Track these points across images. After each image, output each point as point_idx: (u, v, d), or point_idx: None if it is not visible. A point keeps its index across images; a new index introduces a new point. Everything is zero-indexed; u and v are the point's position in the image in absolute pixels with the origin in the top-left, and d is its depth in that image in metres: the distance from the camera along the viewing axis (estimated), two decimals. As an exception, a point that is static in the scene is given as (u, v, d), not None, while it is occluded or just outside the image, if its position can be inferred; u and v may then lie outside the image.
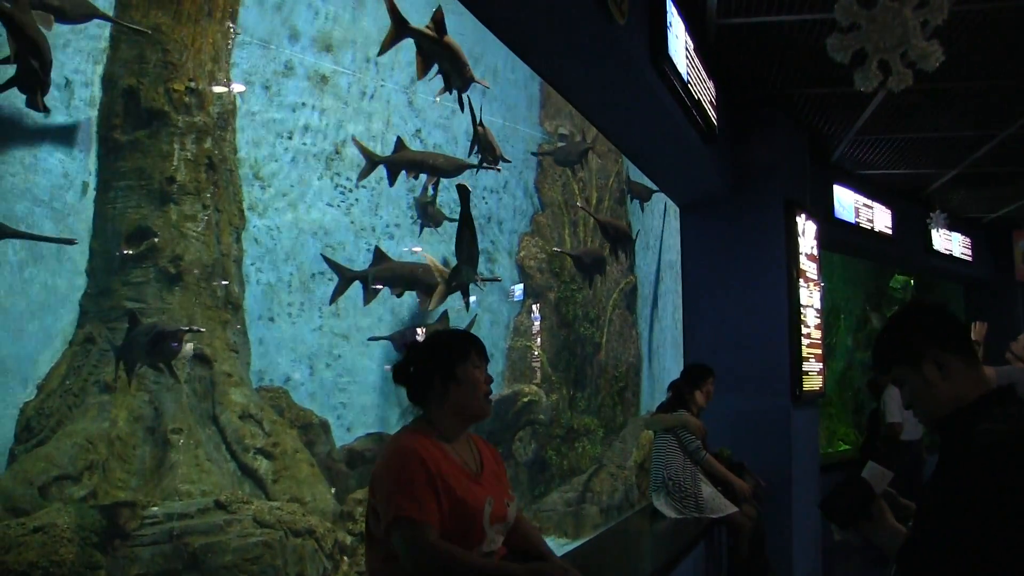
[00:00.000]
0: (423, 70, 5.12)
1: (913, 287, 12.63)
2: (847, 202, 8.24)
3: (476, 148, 6.74)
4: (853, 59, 3.65)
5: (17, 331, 5.82)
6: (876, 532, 1.97)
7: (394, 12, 4.80)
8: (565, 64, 3.99)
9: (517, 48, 3.90)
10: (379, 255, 7.14)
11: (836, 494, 2.06)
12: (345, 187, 7.70)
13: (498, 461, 2.64)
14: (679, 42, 4.40)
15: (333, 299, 7.10)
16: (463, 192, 5.18)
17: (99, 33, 6.06)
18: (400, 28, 4.83)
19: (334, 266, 7.07)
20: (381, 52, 5.17)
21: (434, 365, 2.48)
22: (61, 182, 6.00)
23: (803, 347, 6.30)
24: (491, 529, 2.40)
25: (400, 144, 6.96)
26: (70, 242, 5.76)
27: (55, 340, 5.83)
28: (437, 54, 5.11)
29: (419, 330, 7.42)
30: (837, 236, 7.99)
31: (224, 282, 6.26)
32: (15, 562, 4.34)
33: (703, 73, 5.00)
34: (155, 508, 4.82)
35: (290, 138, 7.37)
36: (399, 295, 7.34)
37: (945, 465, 1.78)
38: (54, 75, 5.71)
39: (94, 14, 5.50)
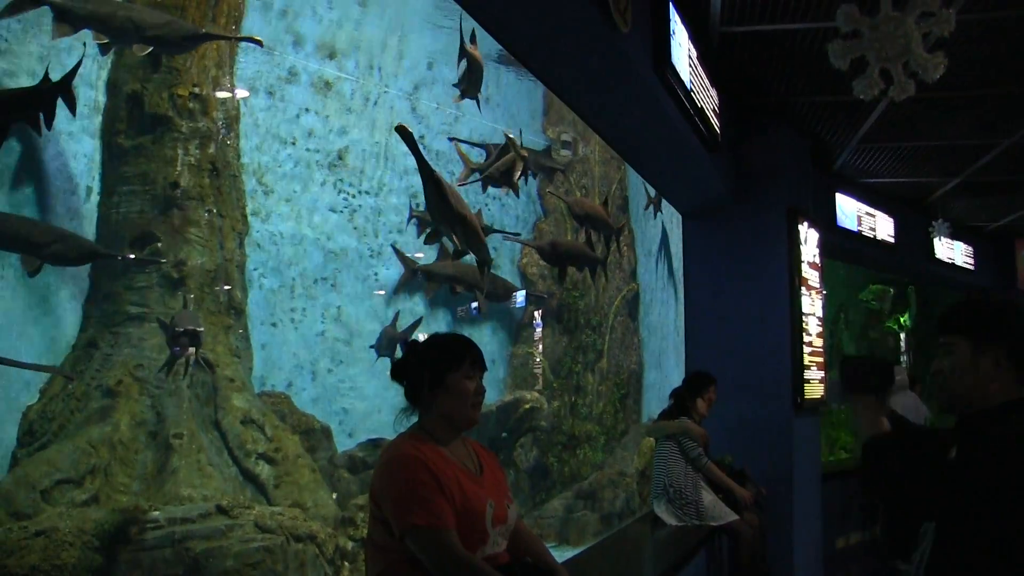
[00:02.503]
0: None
1: (892, 295, 12.41)
2: (849, 210, 8.22)
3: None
4: (853, 66, 3.65)
5: (20, 335, 5.83)
6: (864, 414, 2.06)
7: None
8: (568, 71, 3.98)
9: (520, 55, 3.90)
10: (444, 252, 7.35)
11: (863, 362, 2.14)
12: (348, 192, 7.73)
13: (496, 464, 2.64)
14: (682, 50, 4.40)
15: (397, 290, 7.69)
16: (404, 136, 4.06)
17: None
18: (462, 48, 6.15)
19: (401, 257, 7.44)
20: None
21: (425, 370, 2.45)
22: (65, 186, 6.03)
23: (805, 355, 6.27)
24: (494, 531, 2.40)
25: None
26: (156, 262, 5.84)
27: (58, 344, 5.85)
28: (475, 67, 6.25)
29: (395, 331, 7.51)
30: (839, 244, 7.97)
31: (227, 287, 6.28)
32: (17, 566, 4.36)
33: (706, 81, 5.00)
34: (157, 513, 4.82)
35: (293, 144, 7.41)
36: (455, 293, 7.67)
37: (964, 461, 1.82)
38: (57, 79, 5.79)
39: (196, 35, 5.53)
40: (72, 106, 4.99)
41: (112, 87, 6.02)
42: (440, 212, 4.41)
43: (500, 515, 2.44)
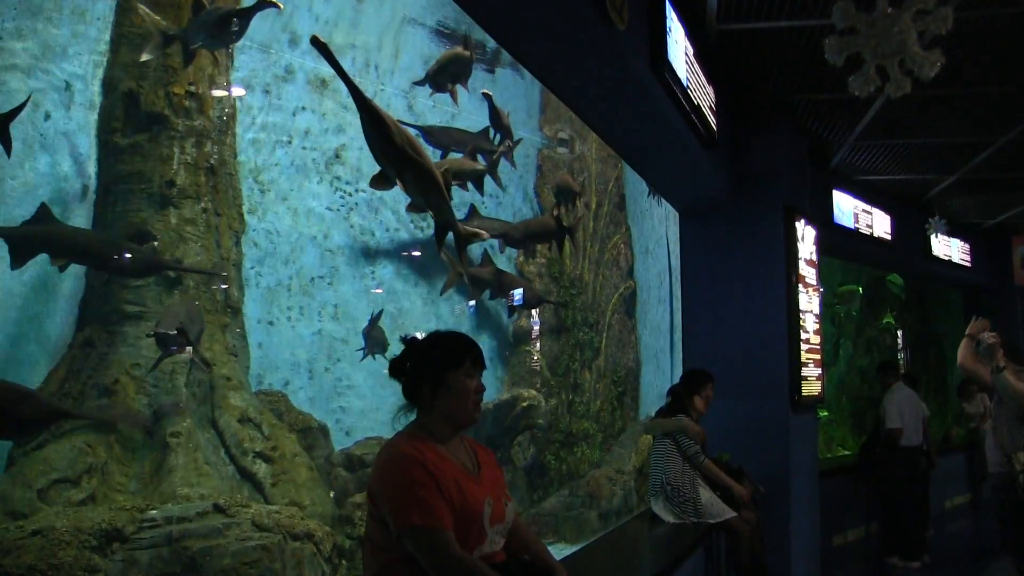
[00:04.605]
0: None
1: (862, 295, 12.31)
2: (846, 208, 8.24)
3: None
4: (849, 63, 3.65)
5: (17, 334, 5.83)
6: None
7: None
8: (564, 69, 3.99)
9: (516, 53, 3.90)
10: (487, 259, 7.33)
11: None
12: (345, 191, 7.72)
13: (494, 462, 2.64)
14: (679, 48, 4.40)
15: (443, 291, 7.71)
16: (321, 48, 3.32)
17: (99, 36, 6.08)
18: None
19: (450, 260, 7.46)
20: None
21: (426, 368, 2.46)
22: (62, 185, 6.02)
23: (802, 352, 6.28)
24: (491, 530, 2.41)
25: None
26: (216, 274, 5.88)
27: (54, 343, 5.85)
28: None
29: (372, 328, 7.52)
30: (836, 241, 7.98)
31: (224, 286, 6.28)
32: (13, 565, 4.33)
33: (703, 79, 5.00)
34: (154, 512, 4.80)
35: (290, 142, 7.40)
36: (492, 298, 7.83)
37: None
38: (54, 79, 5.79)
39: (240, 13, 5.60)
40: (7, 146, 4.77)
41: (108, 85, 6.00)
42: (379, 148, 3.63)
43: (498, 514, 2.44)
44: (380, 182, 3.76)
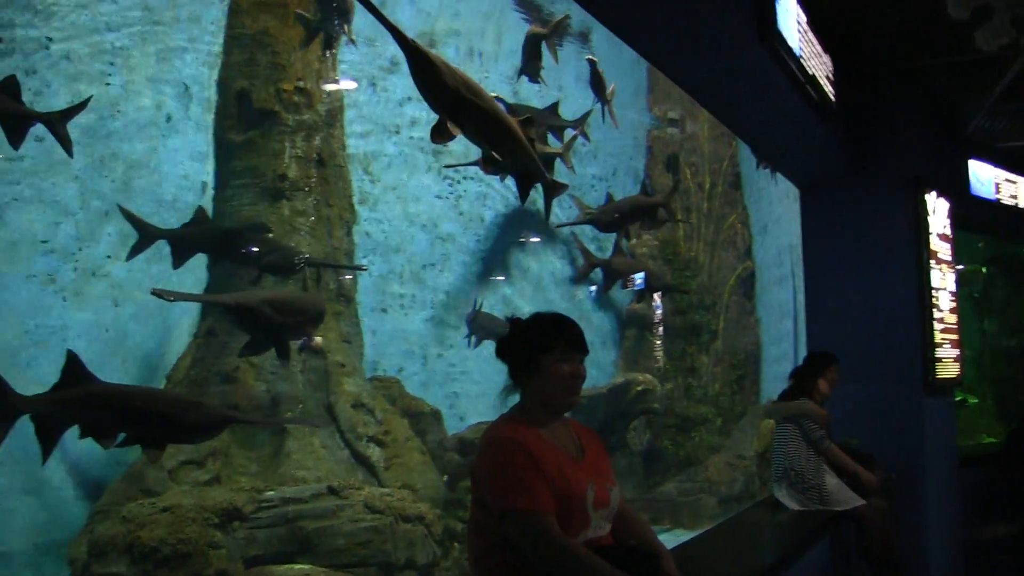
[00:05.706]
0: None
1: (985, 277, 11.34)
2: (985, 177, 7.66)
3: None
4: (977, 15, 3.34)
5: (148, 325, 6.20)
6: None
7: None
8: (669, 46, 3.87)
9: (620, 31, 3.80)
10: (619, 249, 7.50)
11: None
12: (453, 179, 7.81)
13: (599, 447, 2.58)
14: (790, 16, 4.20)
15: (578, 280, 7.94)
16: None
17: (214, 40, 6.36)
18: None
19: (583, 251, 7.72)
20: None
21: (519, 352, 2.43)
22: (182, 183, 6.33)
23: (936, 332, 5.92)
24: (595, 514, 2.36)
25: None
26: (361, 268, 6.13)
27: (181, 333, 6.18)
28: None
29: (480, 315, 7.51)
30: (974, 214, 7.44)
31: (348, 276, 6.49)
32: (148, 538, 4.69)
33: (818, 47, 4.77)
34: (271, 492, 5.04)
35: (398, 132, 7.54)
36: (625, 287, 7.90)
37: None
38: (174, 82, 6.06)
39: None
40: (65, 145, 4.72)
41: (222, 85, 6.27)
42: (427, 90, 3.13)
43: (602, 498, 2.39)
44: (439, 134, 3.17)
